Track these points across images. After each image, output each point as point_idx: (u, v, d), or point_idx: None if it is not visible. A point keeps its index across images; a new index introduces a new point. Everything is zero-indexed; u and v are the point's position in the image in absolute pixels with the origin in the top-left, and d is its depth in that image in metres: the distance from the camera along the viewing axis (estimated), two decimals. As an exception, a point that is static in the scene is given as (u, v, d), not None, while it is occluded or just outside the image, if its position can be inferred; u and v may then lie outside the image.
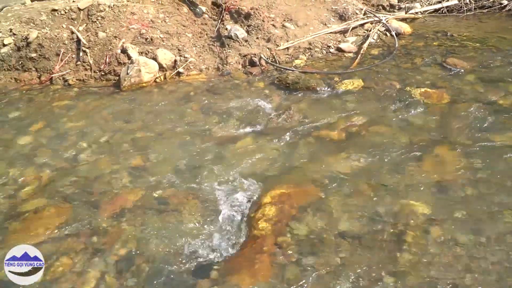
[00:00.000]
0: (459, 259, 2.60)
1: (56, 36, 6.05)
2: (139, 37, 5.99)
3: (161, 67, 5.64)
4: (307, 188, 3.41)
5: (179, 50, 5.95)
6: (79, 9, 6.49)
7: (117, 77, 5.54)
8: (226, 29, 6.35)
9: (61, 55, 5.86)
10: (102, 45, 5.92)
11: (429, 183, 3.26)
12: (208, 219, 3.09)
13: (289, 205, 3.20)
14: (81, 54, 5.84)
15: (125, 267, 2.73)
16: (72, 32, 6.08)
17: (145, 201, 3.27)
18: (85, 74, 5.75)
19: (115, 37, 5.97)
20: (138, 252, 2.83)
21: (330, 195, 3.25)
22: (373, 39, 6.37)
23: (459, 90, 4.58)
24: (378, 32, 6.57)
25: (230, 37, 6.16)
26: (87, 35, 6.05)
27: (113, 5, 6.43)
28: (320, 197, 3.25)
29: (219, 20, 6.60)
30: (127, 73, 5.36)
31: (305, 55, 6.09)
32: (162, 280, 2.63)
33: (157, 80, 5.56)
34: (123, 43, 5.87)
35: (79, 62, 5.84)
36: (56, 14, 6.54)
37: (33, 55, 5.91)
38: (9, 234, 2.99)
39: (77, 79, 5.72)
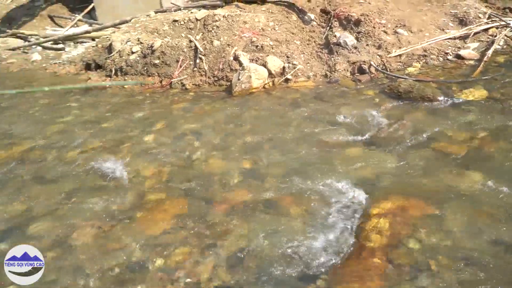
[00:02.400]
0: None
1: (176, 44, 6.60)
2: (250, 45, 6.25)
3: (270, 74, 5.81)
4: (421, 202, 3.22)
5: (287, 57, 6.07)
6: (197, 20, 7.00)
7: (229, 83, 5.85)
8: (335, 36, 6.31)
9: (180, 61, 6.37)
10: (216, 52, 6.30)
11: None
12: (315, 225, 3.08)
13: (402, 218, 3.06)
14: (197, 61, 6.29)
15: (235, 263, 2.85)
16: (191, 41, 6.58)
17: (254, 202, 3.38)
18: (200, 79, 6.17)
19: (228, 45, 6.31)
20: (247, 250, 2.93)
21: (447, 212, 3.03)
22: (499, 45, 5.82)
23: None
24: (505, 37, 5.97)
25: (338, 44, 6.11)
26: (203, 43, 6.49)
27: (227, 15, 6.81)
28: (436, 213, 3.04)
29: (328, 27, 6.59)
30: (238, 79, 5.63)
31: (419, 63, 5.79)
32: (269, 280, 2.69)
33: (266, 86, 5.74)
34: (235, 50, 6.17)
35: (195, 68, 6.29)
36: (177, 24, 7.14)
37: (157, 61, 6.52)
38: (136, 221, 3.31)
39: (193, 84, 6.17)
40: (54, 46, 10.03)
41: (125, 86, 6.58)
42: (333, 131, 4.36)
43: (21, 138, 5.17)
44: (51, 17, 12.48)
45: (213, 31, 6.60)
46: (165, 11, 8.69)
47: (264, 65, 5.84)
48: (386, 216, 3.05)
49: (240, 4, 7.33)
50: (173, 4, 8.71)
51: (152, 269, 2.84)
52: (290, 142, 4.26)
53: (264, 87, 5.73)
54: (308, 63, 6.09)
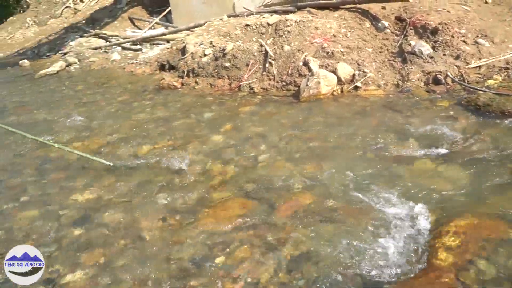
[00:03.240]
0: None
1: (247, 48, 6.74)
2: (320, 51, 6.21)
3: (339, 81, 5.74)
4: (496, 223, 2.99)
5: (358, 64, 5.95)
6: (268, 24, 7.10)
7: (297, 88, 5.86)
8: (410, 44, 6.09)
9: (250, 65, 6.50)
10: (286, 57, 6.35)
11: None
12: (380, 238, 2.98)
13: (474, 238, 2.86)
14: (267, 65, 6.38)
15: (295, 267, 2.84)
16: (261, 45, 6.69)
17: (317, 208, 3.35)
18: (269, 84, 6.25)
19: (298, 50, 6.33)
20: (308, 255, 2.91)
21: (525, 235, 2.80)
22: None
23: None
24: None
25: (413, 53, 5.89)
26: (274, 48, 6.56)
27: (299, 21, 6.83)
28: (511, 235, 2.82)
29: (402, 35, 6.38)
30: (307, 85, 5.61)
31: (501, 76, 5.41)
32: (329, 288, 2.65)
33: (334, 93, 5.68)
34: (305, 56, 6.17)
35: (264, 72, 6.38)
36: (248, 28, 7.29)
37: (227, 64, 6.70)
38: (200, 218, 3.41)
39: (261, 88, 6.26)
40: (132, 46, 10.67)
41: (196, 87, 6.84)
42: (402, 142, 4.20)
43: (99, 132, 5.56)
44: (131, 19, 13.29)
45: (284, 36, 6.65)
46: (237, 16, 8.91)
47: (334, 72, 5.78)
48: (457, 234, 2.87)
49: (312, 10, 7.32)
50: (245, 9, 8.91)
51: (213, 266, 2.91)
52: (357, 150, 4.17)
53: (332, 94, 5.67)
54: (380, 71, 5.93)
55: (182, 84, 7.07)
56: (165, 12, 12.37)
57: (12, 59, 13.47)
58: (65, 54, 11.35)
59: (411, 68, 5.73)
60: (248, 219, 3.31)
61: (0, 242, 3.37)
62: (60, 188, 4.18)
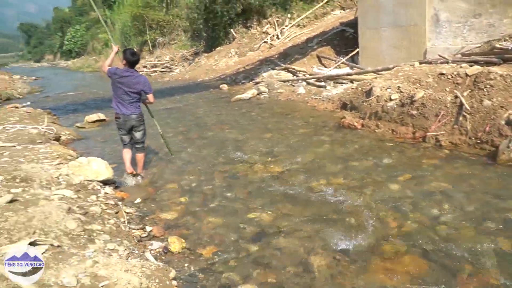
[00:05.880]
0: None
1: (439, 98, 6.38)
2: (530, 111, 5.45)
3: (552, 148, 4.91)
4: None
5: None
6: (467, 75, 6.59)
7: (494, 148, 5.24)
8: None
9: (440, 116, 6.12)
10: (484, 113, 5.77)
11: None
12: None
13: None
14: (460, 118, 5.90)
15: None
16: (456, 97, 6.24)
17: (510, 293, 2.90)
18: (459, 139, 5.76)
19: (501, 107, 5.69)
20: None
21: None
22: None
23: None
24: None
25: None
26: (471, 101, 6.05)
27: (506, 74, 6.15)
28: None
29: None
30: (508, 147, 4.98)
31: None
32: None
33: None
34: (509, 114, 5.50)
35: (455, 126, 5.91)
36: (442, 77, 6.90)
37: (414, 112, 6.45)
38: (373, 267, 3.29)
39: (449, 142, 5.81)
40: (317, 83, 11.25)
41: (376, 130, 6.76)
42: None
43: (280, 158, 5.99)
44: (319, 57, 14.07)
45: (484, 90, 6.07)
46: (430, 63, 8.55)
47: (545, 137, 4.99)
48: None
49: (524, 64, 6.51)
50: (440, 56, 8.50)
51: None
52: None
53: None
54: None
55: (363, 125, 7.09)
56: (353, 53, 12.71)
57: (214, 83, 15.73)
58: (257, 83, 12.69)
59: None
60: (424, 282, 3.07)
61: (191, 241, 3.90)
62: (242, 203, 4.63)
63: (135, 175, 5.62)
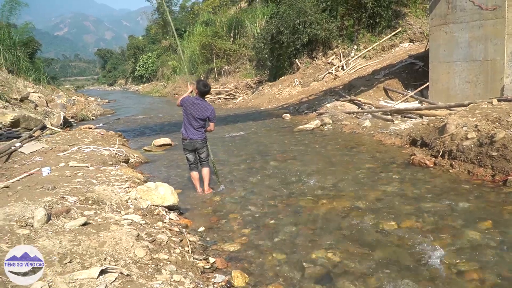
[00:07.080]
0: None
1: (523, 139, 5.88)
2: None
3: None
4: None
5: None
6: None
7: None
8: None
9: (524, 159, 5.63)
10: None
11: None
12: None
13: None
14: (549, 163, 5.38)
15: None
16: (544, 139, 5.72)
17: None
18: (548, 185, 5.24)
19: None
20: None
21: None
22: None
23: None
24: None
25: None
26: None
27: None
28: None
29: None
30: None
31: None
32: None
33: None
34: None
35: (544, 171, 5.40)
36: None
37: (494, 153, 6.00)
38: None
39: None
40: (384, 116, 10.91)
41: (450, 170, 6.35)
42: None
43: (345, 194, 5.79)
44: (385, 90, 13.72)
45: None
46: (509, 101, 8.01)
47: None
48: None
49: None
50: (523, 94, 7.92)
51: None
52: None
53: None
54: None
55: (435, 164, 6.70)
56: (422, 87, 12.26)
57: (277, 112, 15.84)
58: (321, 114, 12.59)
59: None
60: None
61: (254, 277, 3.81)
62: (307, 240, 4.49)
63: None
